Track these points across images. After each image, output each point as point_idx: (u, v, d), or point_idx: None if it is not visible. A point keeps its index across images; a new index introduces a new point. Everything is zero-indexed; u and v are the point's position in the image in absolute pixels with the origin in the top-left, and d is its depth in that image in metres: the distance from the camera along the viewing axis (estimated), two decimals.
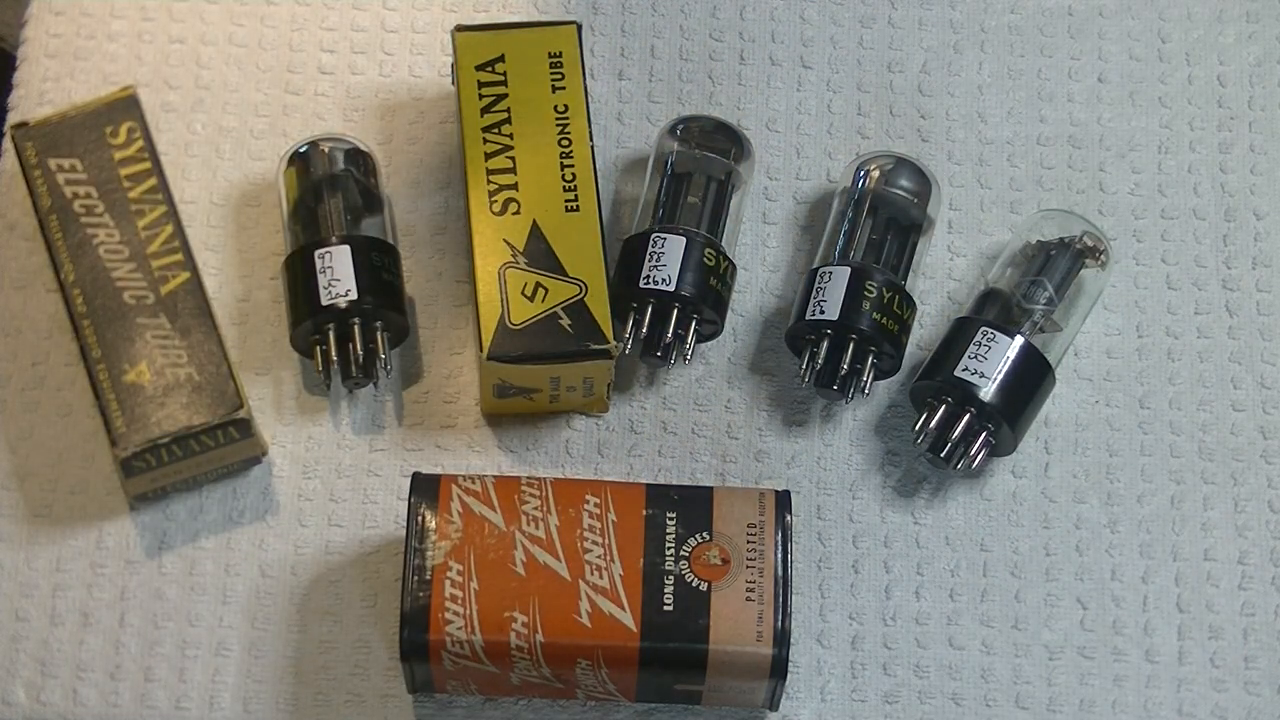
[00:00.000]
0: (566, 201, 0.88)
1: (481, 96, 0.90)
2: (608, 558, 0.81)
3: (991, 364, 0.86)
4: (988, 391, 0.86)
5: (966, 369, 0.86)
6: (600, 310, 0.86)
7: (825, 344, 0.88)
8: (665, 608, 0.80)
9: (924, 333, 0.91)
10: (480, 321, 0.85)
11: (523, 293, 0.86)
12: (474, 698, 0.84)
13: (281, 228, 0.92)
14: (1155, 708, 0.85)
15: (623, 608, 0.80)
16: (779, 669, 0.80)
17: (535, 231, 0.87)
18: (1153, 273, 0.93)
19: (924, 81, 0.97)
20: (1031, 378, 0.86)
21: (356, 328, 0.87)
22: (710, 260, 0.88)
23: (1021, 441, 0.88)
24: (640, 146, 0.95)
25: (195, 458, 0.85)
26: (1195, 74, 0.97)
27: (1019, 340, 0.86)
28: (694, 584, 0.80)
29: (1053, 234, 0.90)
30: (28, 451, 0.88)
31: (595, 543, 0.81)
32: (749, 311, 0.92)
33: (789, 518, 0.82)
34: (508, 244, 0.87)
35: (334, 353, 0.87)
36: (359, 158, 0.91)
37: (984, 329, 0.87)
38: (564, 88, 0.90)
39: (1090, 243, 0.90)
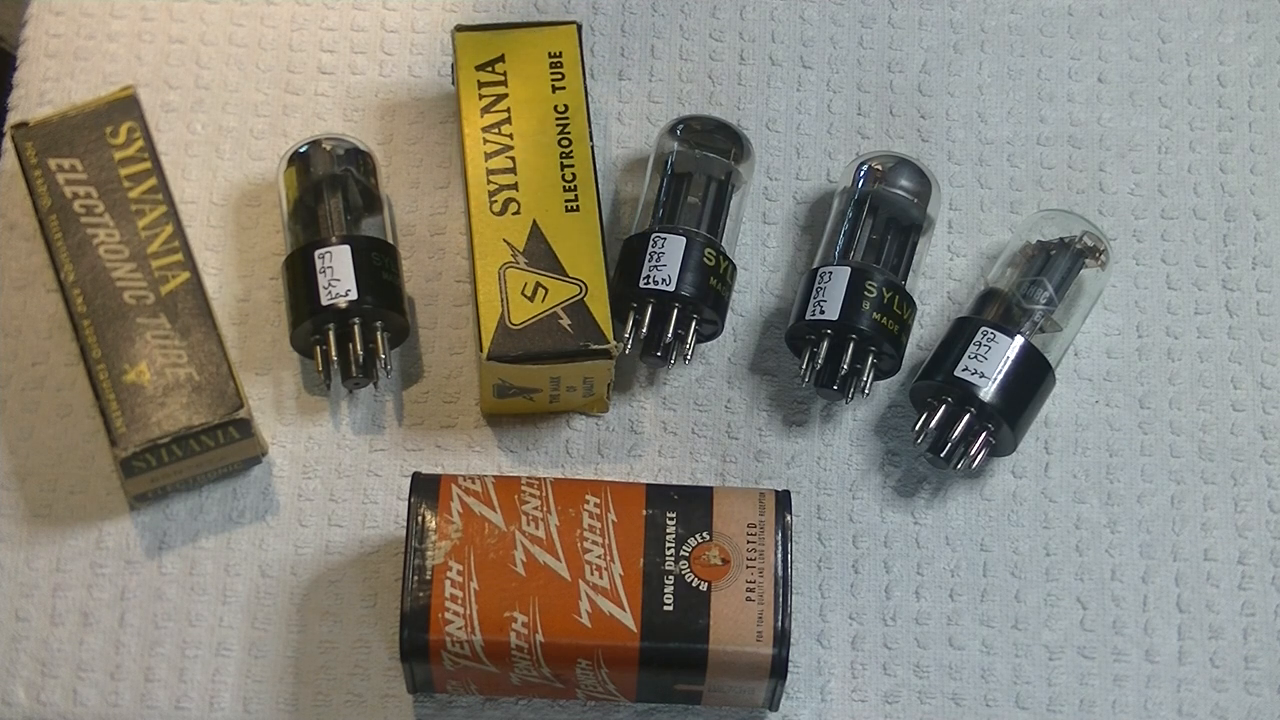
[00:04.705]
0: (566, 201, 0.88)
1: (481, 96, 0.90)
2: (608, 558, 0.81)
3: (991, 364, 0.86)
4: (988, 391, 0.86)
5: (966, 369, 0.86)
6: (600, 310, 0.86)
7: (825, 344, 0.88)
8: (665, 608, 0.80)
9: (924, 333, 0.92)
10: (480, 321, 0.85)
11: (523, 293, 0.86)
12: (474, 698, 0.84)
13: (281, 228, 0.92)
14: (1155, 708, 0.85)
15: (623, 608, 0.80)
16: (779, 669, 0.80)
17: (535, 231, 0.87)
18: (1153, 273, 0.93)
19: (924, 81, 0.97)
20: (1031, 378, 0.86)
21: (356, 328, 0.87)
22: (710, 260, 0.88)
23: (1021, 441, 0.88)
24: (640, 146, 0.95)
25: (195, 458, 0.85)
26: (1195, 74, 0.97)
27: (1019, 340, 0.86)
28: (694, 584, 0.80)
29: (1053, 234, 0.90)
30: (28, 451, 0.88)
31: (595, 543, 0.81)
32: (749, 311, 0.92)
33: (789, 518, 0.82)
34: (508, 244, 0.87)
35: (334, 353, 0.87)
36: (359, 158, 0.91)
37: (984, 329, 0.87)
38: (564, 88, 0.90)
39: (1090, 243, 0.90)
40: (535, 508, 0.82)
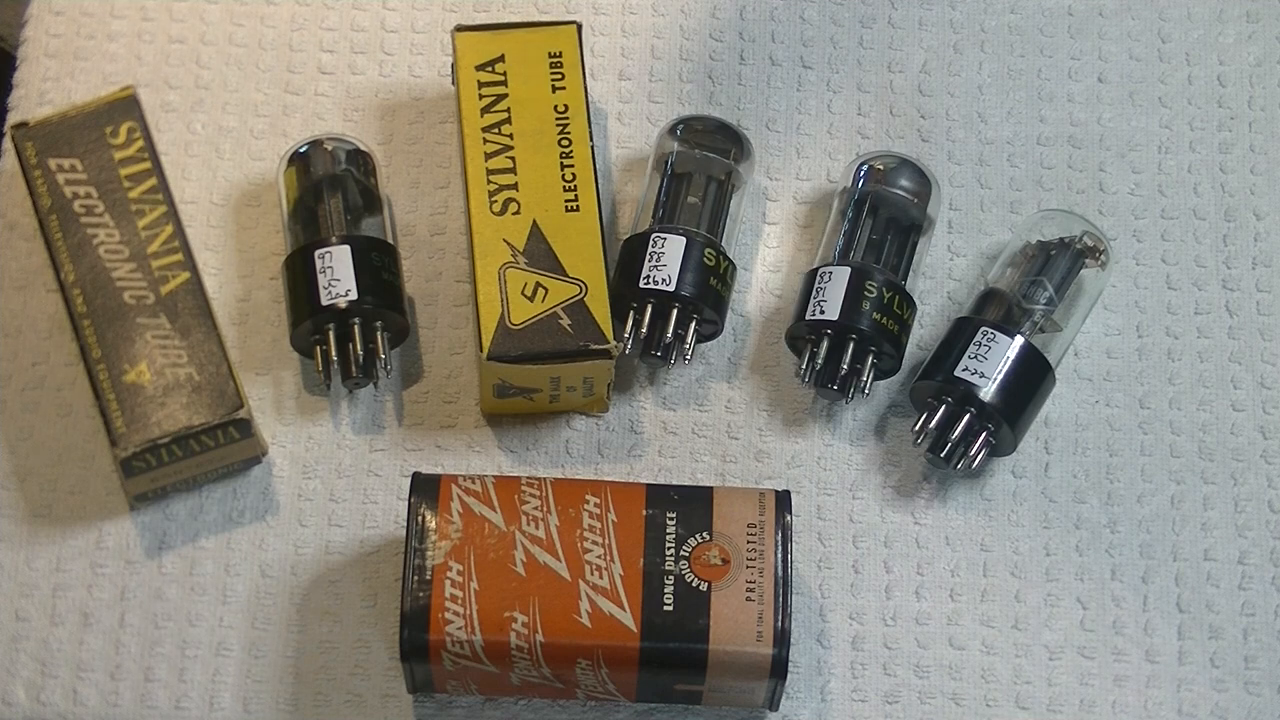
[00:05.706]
0: (566, 201, 0.88)
1: (481, 96, 0.90)
2: (608, 558, 0.81)
3: (991, 364, 0.86)
4: (988, 391, 0.86)
5: (966, 369, 0.86)
6: (600, 310, 0.86)
7: (825, 344, 0.88)
8: (665, 608, 0.80)
9: (924, 333, 0.91)
10: (480, 321, 0.85)
11: (523, 293, 0.86)
12: (474, 698, 0.84)
13: (281, 228, 0.92)
14: (1155, 708, 0.85)
15: (623, 608, 0.80)
16: (779, 669, 0.80)
17: (535, 231, 0.87)
18: (1153, 273, 0.93)
19: (924, 81, 0.97)
20: (1031, 378, 0.86)
21: (356, 328, 0.87)
22: (710, 260, 0.88)
23: (1021, 441, 0.88)
24: (640, 146, 0.95)
25: (195, 458, 0.85)
26: (1195, 74, 0.97)
27: (1019, 340, 0.86)
28: (694, 584, 0.80)
29: (1053, 234, 0.90)
30: (28, 451, 0.88)
31: (595, 543, 0.81)
32: (749, 311, 0.92)
33: (789, 518, 0.82)
34: (508, 244, 0.87)
35: (334, 353, 0.87)
36: (359, 158, 0.91)
37: (984, 329, 0.87)
38: (564, 88, 0.90)
39: (1090, 243, 0.90)
40: (535, 508, 0.82)
